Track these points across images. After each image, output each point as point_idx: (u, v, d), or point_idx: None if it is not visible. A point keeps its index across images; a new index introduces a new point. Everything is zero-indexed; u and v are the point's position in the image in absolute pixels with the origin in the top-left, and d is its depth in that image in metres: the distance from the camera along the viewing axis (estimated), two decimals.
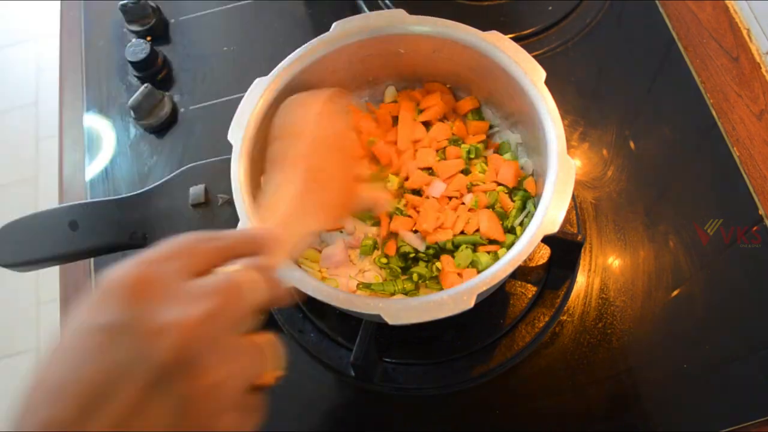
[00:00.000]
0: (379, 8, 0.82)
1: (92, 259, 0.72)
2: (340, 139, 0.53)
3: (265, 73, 0.60)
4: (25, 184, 1.83)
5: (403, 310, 0.50)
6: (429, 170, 0.64)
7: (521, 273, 0.66)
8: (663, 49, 0.79)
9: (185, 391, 0.30)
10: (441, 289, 0.59)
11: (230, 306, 0.32)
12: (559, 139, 0.55)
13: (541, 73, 0.58)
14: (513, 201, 0.62)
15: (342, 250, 0.62)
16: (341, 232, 0.63)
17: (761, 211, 0.69)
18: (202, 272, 0.34)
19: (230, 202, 0.56)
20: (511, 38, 0.60)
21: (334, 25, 0.62)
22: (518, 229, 0.61)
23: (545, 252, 0.66)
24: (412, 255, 0.61)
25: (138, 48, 0.80)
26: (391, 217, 0.62)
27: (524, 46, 0.60)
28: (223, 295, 0.32)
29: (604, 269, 0.68)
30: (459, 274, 0.59)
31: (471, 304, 0.49)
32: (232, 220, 0.54)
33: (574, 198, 0.69)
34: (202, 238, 0.35)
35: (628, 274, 0.67)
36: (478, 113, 0.68)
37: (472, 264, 0.60)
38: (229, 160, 0.57)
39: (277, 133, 0.52)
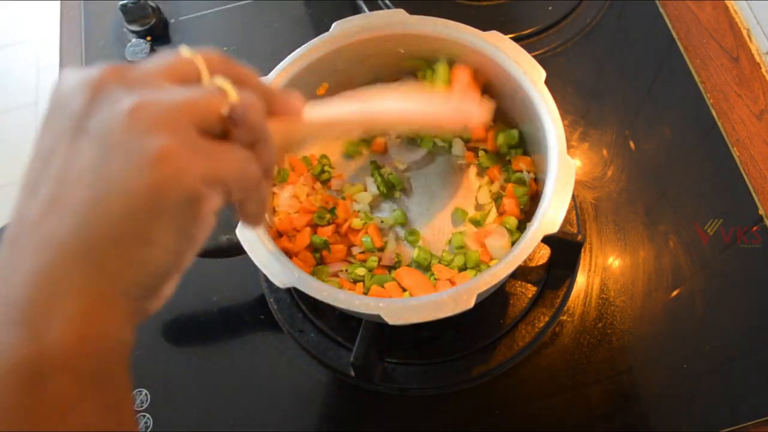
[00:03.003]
0: (379, 8, 0.82)
1: None
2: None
3: (265, 73, 0.60)
4: None
5: (403, 310, 0.50)
6: None
7: (521, 273, 0.66)
8: (663, 49, 0.79)
9: (98, 122, 0.28)
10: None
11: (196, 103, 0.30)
12: (559, 139, 0.55)
13: (541, 73, 0.58)
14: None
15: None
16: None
17: (761, 211, 0.69)
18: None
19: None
20: (511, 38, 0.60)
21: (334, 25, 0.62)
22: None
23: (545, 252, 0.67)
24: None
25: (138, 48, 0.80)
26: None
27: (524, 46, 0.60)
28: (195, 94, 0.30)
29: (604, 269, 0.68)
30: (451, 281, 0.59)
31: (471, 304, 0.49)
32: (232, 220, 0.54)
33: (574, 198, 0.69)
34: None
35: (628, 274, 0.67)
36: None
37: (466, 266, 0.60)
38: None
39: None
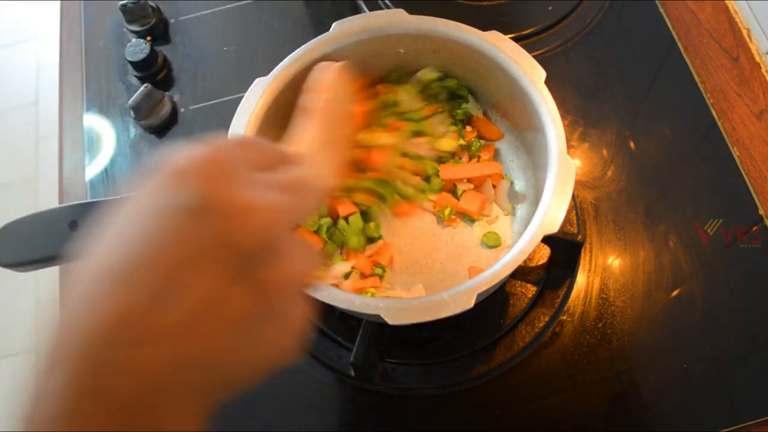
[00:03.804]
0: (379, 8, 0.82)
1: None
2: (346, 106, 0.58)
3: (265, 73, 0.60)
4: (25, 184, 1.83)
5: (403, 310, 0.50)
6: None
7: (521, 273, 0.66)
8: (663, 49, 0.79)
9: (264, 277, 0.28)
10: None
11: (302, 201, 0.32)
12: (559, 139, 0.55)
13: (541, 73, 0.58)
14: None
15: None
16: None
17: (761, 211, 0.69)
18: (266, 169, 0.32)
19: None
20: (511, 38, 0.60)
21: (334, 25, 0.62)
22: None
23: (545, 252, 0.66)
24: None
25: (138, 48, 0.80)
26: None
27: (524, 46, 0.60)
28: (297, 190, 0.32)
29: (604, 269, 0.68)
30: None
31: (471, 304, 0.49)
32: None
33: (574, 198, 0.69)
34: (261, 140, 0.36)
35: (628, 274, 0.67)
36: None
37: None
38: None
39: (305, 86, 0.55)
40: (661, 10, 0.81)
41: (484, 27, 0.61)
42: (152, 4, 0.85)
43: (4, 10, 2.12)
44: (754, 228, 0.68)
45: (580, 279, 0.67)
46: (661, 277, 0.67)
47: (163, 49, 0.84)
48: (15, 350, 1.63)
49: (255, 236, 0.28)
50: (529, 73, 0.58)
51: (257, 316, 0.28)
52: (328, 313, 0.65)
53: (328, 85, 0.54)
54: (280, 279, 0.29)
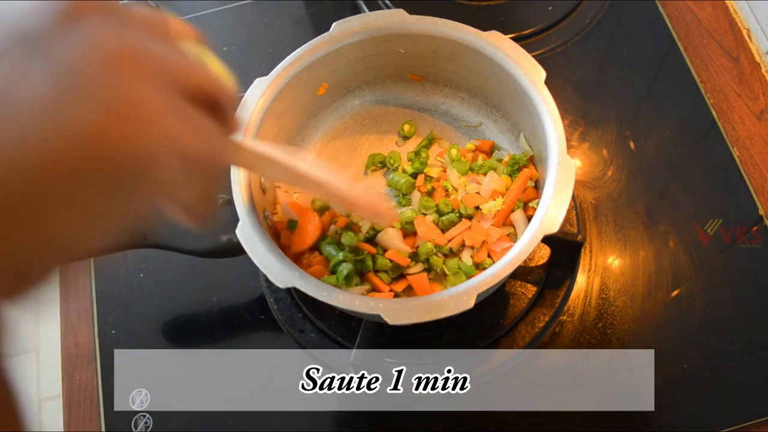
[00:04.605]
0: (379, 8, 0.82)
1: (92, 259, 0.72)
2: None
3: (265, 73, 0.60)
4: None
5: (403, 310, 0.50)
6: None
7: (521, 273, 0.66)
8: (663, 49, 0.79)
9: (77, 49, 0.24)
10: None
11: (159, 28, 0.28)
12: (559, 139, 0.55)
13: (541, 73, 0.58)
14: None
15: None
16: None
17: (761, 211, 0.69)
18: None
19: (230, 202, 0.56)
20: (511, 38, 0.60)
21: (334, 25, 0.62)
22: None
23: (545, 252, 0.67)
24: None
25: None
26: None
27: (524, 46, 0.60)
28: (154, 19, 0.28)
29: (604, 269, 0.68)
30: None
31: (471, 304, 0.49)
32: (232, 220, 0.54)
33: (574, 198, 0.69)
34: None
35: (628, 274, 0.67)
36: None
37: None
38: None
39: None
40: (661, 10, 0.81)
41: (484, 27, 0.61)
42: (152, 4, 0.85)
43: None
44: (754, 228, 0.68)
45: (580, 279, 0.67)
46: (661, 277, 0.67)
47: None
48: (14, 350, 1.63)
49: (46, 18, 0.24)
50: (529, 73, 0.58)
51: (55, 90, 0.24)
52: (328, 313, 0.65)
53: None
54: (89, 50, 0.24)
